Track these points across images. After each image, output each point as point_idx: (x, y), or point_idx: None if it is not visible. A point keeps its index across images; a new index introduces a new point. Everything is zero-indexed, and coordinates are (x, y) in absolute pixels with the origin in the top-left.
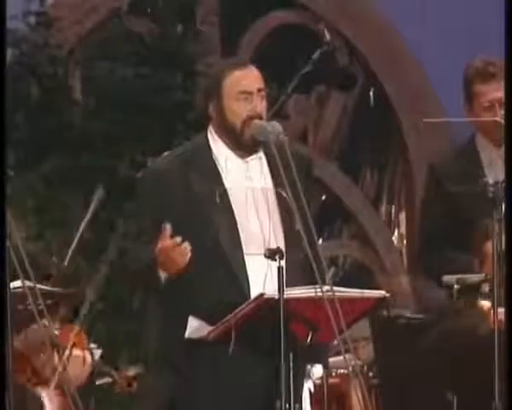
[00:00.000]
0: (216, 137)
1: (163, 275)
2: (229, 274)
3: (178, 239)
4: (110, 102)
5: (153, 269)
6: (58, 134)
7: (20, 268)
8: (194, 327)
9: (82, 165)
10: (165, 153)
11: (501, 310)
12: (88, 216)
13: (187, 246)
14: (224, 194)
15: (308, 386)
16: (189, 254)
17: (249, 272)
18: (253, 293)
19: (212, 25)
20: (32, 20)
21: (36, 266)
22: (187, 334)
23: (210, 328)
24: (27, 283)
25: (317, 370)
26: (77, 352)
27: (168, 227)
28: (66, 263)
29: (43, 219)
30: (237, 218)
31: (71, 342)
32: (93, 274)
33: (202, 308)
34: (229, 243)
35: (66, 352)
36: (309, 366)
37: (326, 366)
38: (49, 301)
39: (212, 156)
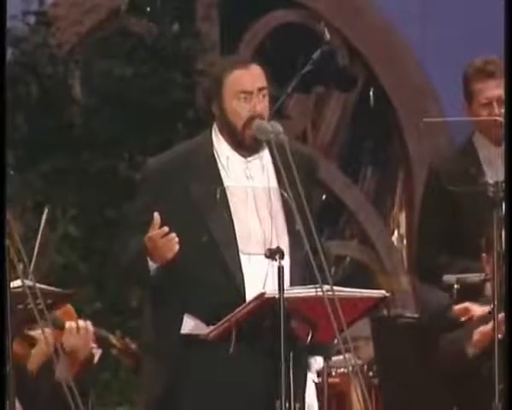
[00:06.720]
0: (219, 135)
1: (152, 266)
2: (224, 273)
3: (166, 229)
4: (110, 101)
5: (142, 259)
6: (58, 134)
7: (19, 268)
8: (190, 325)
9: (82, 164)
10: (168, 151)
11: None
12: (39, 237)
13: (174, 236)
14: (223, 193)
15: (312, 378)
16: (177, 246)
17: (248, 271)
18: (252, 292)
19: (211, 23)
20: (32, 19)
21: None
22: (182, 332)
23: (205, 326)
24: (27, 282)
25: (318, 362)
26: (80, 322)
27: (157, 217)
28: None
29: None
30: (236, 217)
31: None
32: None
33: (198, 306)
34: (224, 242)
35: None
36: (309, 359)
37: (329, 358)
38: (49, 301)
39: (213, 154)
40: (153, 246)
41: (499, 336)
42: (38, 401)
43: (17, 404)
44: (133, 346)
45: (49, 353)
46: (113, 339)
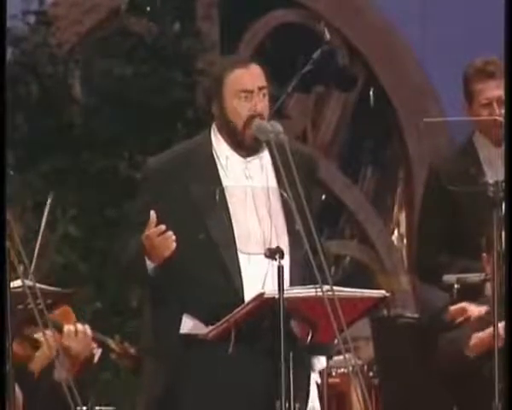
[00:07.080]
0: (218, 135)
1: (150, 266)
2: (223, 273)
3: (162, 227)
4: (110, 101)
5: (142, 258)
6: (58, 134)
7: (20, 269)
8: (189, 325)
9: (82, 164)
10: (168, 151)
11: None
12: (43, 222)
13: (171, 235)
14: (222, 193)
15: (315, 379)
16: (174, 244)
17: (248, 271)
18: (252, 292)
19: (212, 23)
20: (32, 19)
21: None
22: (181, 331)
23: (204, 326)
24: (27, 282)
25: (321, 362)
26: (78, 326)
27: (153, 215)
28: (32, 267)
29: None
30: (235, 217)
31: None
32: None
33: (196, 307)
34: (223, 242)
35: (66, 327)
36: (311, 359)
37: (329, 358)
38: (49, 301)
39: (212, 154)
40: (150, 244)
41: (499, 344)
42: (38, 401)
43: (18, 403)
44: (132, 350)
45: (51, 356)
46: (111, 343)
